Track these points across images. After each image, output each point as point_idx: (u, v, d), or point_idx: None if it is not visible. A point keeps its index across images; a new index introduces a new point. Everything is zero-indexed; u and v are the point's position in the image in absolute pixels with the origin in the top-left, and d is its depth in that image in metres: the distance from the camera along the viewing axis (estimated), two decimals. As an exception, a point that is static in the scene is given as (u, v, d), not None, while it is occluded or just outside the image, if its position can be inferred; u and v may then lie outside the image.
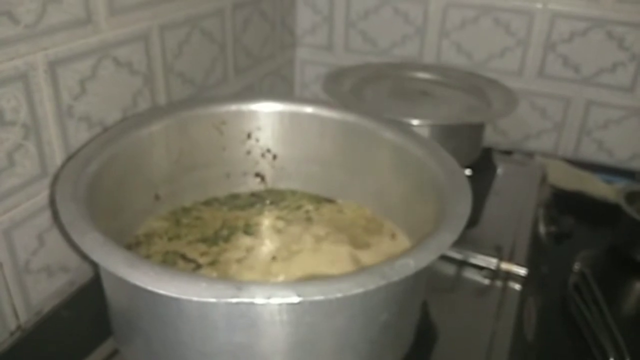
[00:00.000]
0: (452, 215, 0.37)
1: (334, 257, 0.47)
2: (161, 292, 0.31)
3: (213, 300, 0.31)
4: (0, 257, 0.52)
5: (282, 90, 1.02)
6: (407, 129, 0.51)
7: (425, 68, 0.87)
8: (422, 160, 0.46)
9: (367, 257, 0.49)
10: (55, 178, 0.55)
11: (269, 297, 0.31)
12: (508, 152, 0.87)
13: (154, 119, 0.53)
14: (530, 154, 0.90)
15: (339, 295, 0.31)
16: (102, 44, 0.58)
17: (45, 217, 0.56)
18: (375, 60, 0.98)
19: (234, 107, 0.56)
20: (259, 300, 0.31)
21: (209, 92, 0.78)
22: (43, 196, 0.55)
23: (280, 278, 0.47)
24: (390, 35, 0.97)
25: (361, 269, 0.36)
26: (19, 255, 0.54)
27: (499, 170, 0.73)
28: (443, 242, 0.35)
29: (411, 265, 0.34)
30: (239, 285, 0.31)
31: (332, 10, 0.98)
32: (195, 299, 0.31)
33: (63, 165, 0.49)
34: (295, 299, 0.31)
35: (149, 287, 0.31)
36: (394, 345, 0.42)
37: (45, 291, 0.58)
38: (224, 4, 0.77)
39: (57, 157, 0.56)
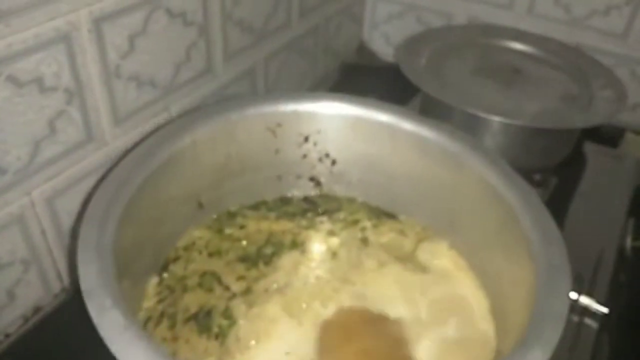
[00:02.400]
0: (543, 315, 0.31)
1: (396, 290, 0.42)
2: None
3: None
4: (43, 224, 0.51)
5: (349, 32, 0.93)
6: (497, 160, 0.43)
7: (519, 36, 0.76)
8: (510, 204, 0.39)
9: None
10: (85, 204, 0.51)
11: None
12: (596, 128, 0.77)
13: (199, 124, 0.47)
14: (620, 130, 0.80)
15: None
16: (154, -6, 0.52)
17: (91, 183, 0.53)
18: (458, 3, 0.87)
19: (291, 108, 0.49)
20: None
21: (270, 39, 0.71)
22: (89, 162, 0.52)
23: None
24: (478, -23, 0.85)
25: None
26: (63, 222, 0.52)
27: (589, 165, 0.65)
28: None
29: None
30: None
31: (414, -59, 0.86)
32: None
33: (94, 190, 0.46)
34: None
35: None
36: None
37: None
38: (292, -63, 0.68)
39: (104, 121, 0.52)
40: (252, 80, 0.71)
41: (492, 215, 0.42)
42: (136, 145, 0.54)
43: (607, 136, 0.76)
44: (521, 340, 0.31)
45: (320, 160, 0.55)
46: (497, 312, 0.43)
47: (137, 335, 0.31)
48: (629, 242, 0.57)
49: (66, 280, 0.55)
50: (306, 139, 0.54)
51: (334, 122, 0.51)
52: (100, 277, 0.33)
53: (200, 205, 0.51)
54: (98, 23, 0.47)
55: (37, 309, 0.53)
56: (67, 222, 0.53)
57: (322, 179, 0.57)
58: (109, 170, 0.45)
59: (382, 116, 0.49)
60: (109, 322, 0.32)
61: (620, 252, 0.55)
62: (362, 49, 0.99)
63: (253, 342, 0.43)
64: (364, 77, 0.91)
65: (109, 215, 0.36)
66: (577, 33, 0.82)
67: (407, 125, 0.48)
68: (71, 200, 0.52)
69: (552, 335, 0.31)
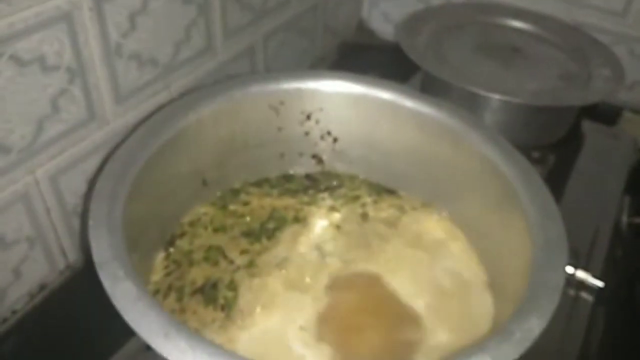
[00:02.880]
0: (540, 287, 0.32)
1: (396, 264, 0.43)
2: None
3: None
4: (48, 203, 0.51)
5: (348, 10, 0.92)
6: (496, 138, 0.43)
7: (518, 15, 0.76)
8: (509, 180, 0.40)
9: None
10: (92, 182, 0.52)
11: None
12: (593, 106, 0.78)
13: (203, 102, 0.47)
14: (618, 108, 0.80)
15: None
16: (154, -28, 0.51)
17: (94, 161, 0.54)
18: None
19: (294, 86, 0.50)
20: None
21: (269, 17, 0.71)
22: (91, 140, 0.53)
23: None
24: (478, -47, 0.84)
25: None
26: (67, 200, 0.53)
27: (587, 143, 0.66)
28: (530, 331, 0.30)
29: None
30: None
31: None
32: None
33: (98, 172, 0.46)
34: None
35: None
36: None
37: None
38: None
39: (105, 100, 0.52)
40: (252, 59, 0.71)
41: (491, 191, 0.43)
42: (139, 123, 0.55)
43: (605, 115, 0.77)
44: (519, 310, 0.32)
45: (322, 137, 0.55)
46: (496, 284, 0.44)
47: (150, 305, 0.32)
48: (624, 218, 0.58)
49: (71, 257, 0.56)
50: (308, 117, 0.54)
51: (335, 100, 0.52)
52: (111, 250, 0.34)
53: (205, 183, 0.52)
54: (99, 1, 0.47)
55: (42, 286, 0.54)
56: (70, 200, 0.53)
57: (324, 157, 0.57)
58: (116, 147, 0.45)
59: (383, 94, 0.50)
60: (122, 293, 0.32)
61: (616, 229, 0.56)
62: (362, 27, 0.99)
63: (258, 310, 0.45)
64: (364, 55, 0.91)
65: (117, 191, 0.37)
66: (576, 11, 0.82)
67: (408, 102, 0.49)
68: (74, 178, 0.53)
69: (549, 305, 0.32)
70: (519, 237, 0.39)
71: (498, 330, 0.31)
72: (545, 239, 0.36)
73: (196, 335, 0.31)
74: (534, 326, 0.31)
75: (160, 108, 0.57)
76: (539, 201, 0.39)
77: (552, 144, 0.65)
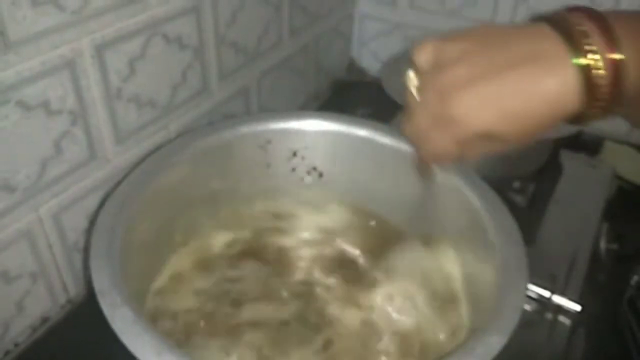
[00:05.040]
0: (502, 306, 0.35)
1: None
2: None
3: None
4: (50, 239, 0.53)
5: (339, 49, 0.96)
6: (467, 173, 0.47)
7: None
8: (477, 209, 0.43)
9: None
10: (91, 224, 0.54)
11: None
12: (575, 136, 0.80)
13: (196, 143, 0.51)
14: (600, 138, 0.83)
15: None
16: (152, 21, 0.55)
17: (95, 199, 0.56)
18: (442, 20, 0.91)
19: (280, 126, 0.53)
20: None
21: (262, 58, 0.74)
22: (92, 179, 0.55)
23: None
24: (461, -6, 0.89)
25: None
26: (68, 236, 0.55)
27: (565, 172, 0.68)
28: (491, 347, 0.32)
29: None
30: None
31: (399, -38, 0.90)
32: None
33: (99, 209, 0.48)
34: None
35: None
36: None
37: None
38: (282, -38, 0.72)
39: (106, 141, 0.55)
40: (246, 98, 0.74)
41: (462, 220, 0.46)
42: (138, 161, 0.57)
43: (587, 144, 0.79)
44: (481, 327, 0.35)
45: (308, 173, 0.58)
46: (472, 295, 0.47)
47: (145, 328, 0.35)
48: (603, 244, 0.60)
49: (72, 291, 0.58)
50: (294, 154, 0.57)
51: (319, 138, 0.55)
52: (110, 279, 0.37)
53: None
54: (100, 49, 0.51)
55: (44, 319, 0.56)
56: (72, 236, 0.55)
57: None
58: (115, 185, 0.48)
59: (362, 132, 0.53)
60: (120, 317, 0.35)
61: (594, 254, 0.58)
62: (352, 65, 1.03)
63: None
64: (354, 92, 0.94)
65: (115, 226, 0.40)
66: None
67: (385, 139, 0.52)
68: (75, 215, 0.55)
69: (509, 323, 0.35)
70: (487, 262, 0.41)
71: (460, 346, 0.34)
72: (507, 262, 0.39)
73: (186, 354, 0.33)
74: (495, 343, 0.34)
75: (158, 147, 0.61)
76: (503, 228, 0.42)
77: (532, 173, 0.67)
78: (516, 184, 0.64)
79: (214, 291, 0.51)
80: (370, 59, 1.02)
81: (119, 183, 0.47)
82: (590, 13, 0.35)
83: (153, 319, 0.47)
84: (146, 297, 0.47)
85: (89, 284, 0.58)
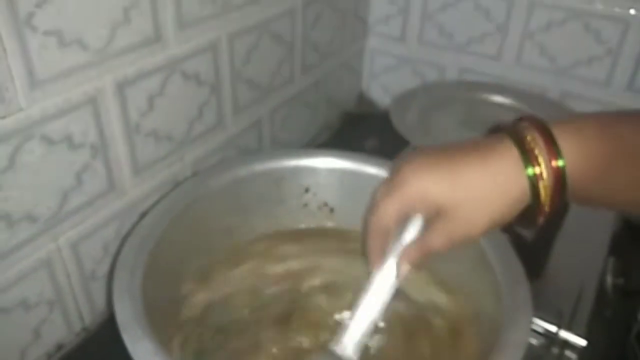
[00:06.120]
0: (506, 342, 0.36)
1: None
2: None
3: None
4: (68, 268, 0.55)
5: (349, 83, 0.99)
6: None
7: (502, 91, 0.82)
8: (484, 249, 0.44)
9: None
10: (114, 261, 0.56)
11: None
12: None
13: (212, 181, 0.53)
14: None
15: None
16: (171, 60, 0.58)
17: (112, 229, 0.58)
18: (449, 56, 0.93)
19: (292, 163, 0.55)
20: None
21: (275, 93, 0.77)
22: (110, 209, 0.57)
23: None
24: (469, 31, 0.91)
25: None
26: (86, 265, 0.57)
27: (572, 207, 0.69)
28: None
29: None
30: None
31: (408, 1, 0.93)
32: None
33: (120, 247, 0.51)
34: None
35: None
36: None
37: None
38: (295, 3, 0.74)
39: (125, 173, 0.57)
40: (259, 131, 0.77)
41: (467, 258, 0.47)
42: (154, 191, 0.60)
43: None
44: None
45: (319, 208, 0.60)
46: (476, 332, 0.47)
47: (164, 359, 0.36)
48: (609, 279, 0.61)
49: (87, 319, 0.59)
50: (306, 190, 0.59)
51: (329, 175, 0.57)
52: (132, 313, 0.39)
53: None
54: (121, 87, 0.53)
55: (59, 347, 0.57)
56: (89, 265, 0.57)
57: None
58: (137, 222, 0.50)
59: (370, 169, 0.55)
60: (141, 350, 0.36)
61: (601, 289, 0.59)
62: (362, 98, 1.05)
63: None
64: (364, 125, 0.96)
65: (137, 262, 0.42)
66: (563, 81, 0.88)
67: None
68: (93, 245, 0.57)
69: (513, 358, 0.35)
70: (492, 300, 0.42)
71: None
72: (513, 301, 0.40)
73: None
74: None
75: (173, 177, 0.63)
76: (508, 267, 0.43)
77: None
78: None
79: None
80: (380, 92, 1.04)
81: (141, 216, 0.49)
82: (537, 123, 0.38)
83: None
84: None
85: (103, 313, 0.60)
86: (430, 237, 0.39)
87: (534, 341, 0.52)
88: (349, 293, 0.55)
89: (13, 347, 0.53)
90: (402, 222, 0.40)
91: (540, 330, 0.52)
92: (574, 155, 0.36)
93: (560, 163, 0.36)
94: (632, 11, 0.78)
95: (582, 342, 0.51)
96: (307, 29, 0.79)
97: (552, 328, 0.51)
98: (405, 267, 0.40)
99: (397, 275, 0.40)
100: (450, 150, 0.40)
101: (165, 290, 0.45)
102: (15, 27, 0.42)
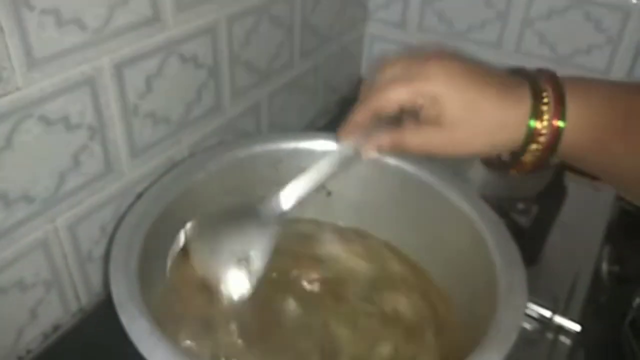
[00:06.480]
0: (501, 324, 0.36)
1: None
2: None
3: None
4: (65, 249, 0.55)
5: (348, 68, 0.98)
6: (469, 192, 0.48)
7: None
8: (479, 230, 0.45)
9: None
10: (111, 239, 0.56)
11: None
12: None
13: (211, 162, 0.53)
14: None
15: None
16: (169, 41, 0.57)
17: (109, 210, 0.58)
18: (449, 43, 0.93)
19: (291, 146, 0.55)
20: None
21: (273, 77, 0.76)
22: (107, 191, 0.57)
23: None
24: (469, 18, 0.91)
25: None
26: (82, 246, 0.57)
27: (569, 195, 0.70)
28: None
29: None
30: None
31: (408, -14, 0.93)
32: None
33: (117, 225, 0.51)
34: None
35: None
36: None
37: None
38: (295, -15, 0.74)
39: (122, 155, 0.57)
40: (257, 115, 0.76)
41: (463, 240, 0.47)
42: (152, 174, 0.60)
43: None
44: (481, 344, 0.36)
45: (316, 191, 0.59)
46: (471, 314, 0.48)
47: (161, 338, 0.36)
48: (605, 267, 0.61)
49: (83, 300, 0.59)
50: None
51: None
52: (128, 293, 0.39)
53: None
54: (119, 67, 0.53)
55: (56, 327, 0.57)
56: (85, 246, 0.57)
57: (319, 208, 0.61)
58: (134, 201, 0.50)
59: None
60: (138, 329, 0.37)
61: (596, 276, 0.59)
62: (361, 83, 1.04)
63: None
64: (362, 110, 0.96)
65: (133, 242, 0.42)
66: (563, 70, 0.86)
67: (391, 161, 0.54)
68: (90, 226, 0.57)
69: (507, 341, 0.36)
70: (486, 282, 0.43)
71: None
72: (508, 283, 0.40)
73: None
74: (494, 358, 0.35)
75: (171, 160, 0.63)
76: (504, 250, 0.44)
77: (536, 195, 0.69)
78: (520, 206, 0.65)
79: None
80: (379, 78, 1.03)
81: (138, 196, 0.48)
82: (553, 81, 0.40)
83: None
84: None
85: (100, 293, 0.60)
86: (410, 135, 0.41)
87: (528, 326, 0.52)
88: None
89: (9, 327, 0.53)
90: (399, 111, 0.41)
91: (534, 315, 0.53)
92: (576, 118, 0.38)
93: (560, 123, 0.38)
94: (633, 0, 0.78)
95: (576, 328, 0.51)
96: (306, 13, 0.79)
97: (547, 313, 0.52)
98: (371, 151, 0.43)
99: (359, 154, 0.43)
100: (481, 72, 0.41)
101: (162, 270, 0.45)
102: (12, 6, 0.42)
